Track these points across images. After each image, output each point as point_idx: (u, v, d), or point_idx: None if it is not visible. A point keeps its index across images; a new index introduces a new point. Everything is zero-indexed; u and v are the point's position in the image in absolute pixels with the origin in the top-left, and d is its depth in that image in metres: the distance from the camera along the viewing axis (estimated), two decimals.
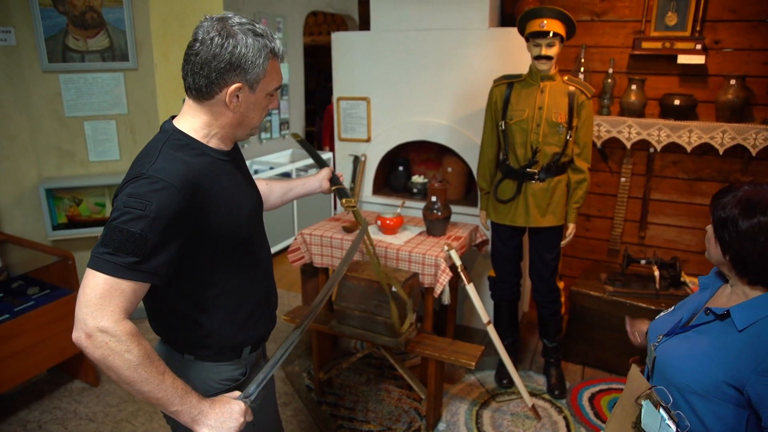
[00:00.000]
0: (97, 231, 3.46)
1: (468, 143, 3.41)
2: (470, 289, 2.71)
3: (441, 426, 2.80)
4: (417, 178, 3.76)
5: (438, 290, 2.82)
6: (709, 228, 1.38)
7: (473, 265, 3.60)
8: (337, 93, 3.76)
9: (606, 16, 3.41)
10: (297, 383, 3.16)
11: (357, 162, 3.77)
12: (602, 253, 3.76)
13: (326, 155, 5.89)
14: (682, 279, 3.17)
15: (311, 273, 3.41)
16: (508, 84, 2.82)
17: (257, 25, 1.28)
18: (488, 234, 3.28)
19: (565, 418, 2.87)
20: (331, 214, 5.55)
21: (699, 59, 3.12)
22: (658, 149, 3.33)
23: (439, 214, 3.04)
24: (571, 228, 2.92)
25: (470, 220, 3.47)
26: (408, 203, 3.55)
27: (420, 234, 3.14)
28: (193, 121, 1.32)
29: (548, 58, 2.64)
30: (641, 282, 3.22)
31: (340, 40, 3.66)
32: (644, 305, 3.06)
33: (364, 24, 4.03)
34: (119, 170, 3.58)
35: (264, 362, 1.57)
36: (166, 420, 1.48)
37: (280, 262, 4.89)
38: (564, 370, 3.23)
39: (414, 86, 3.48)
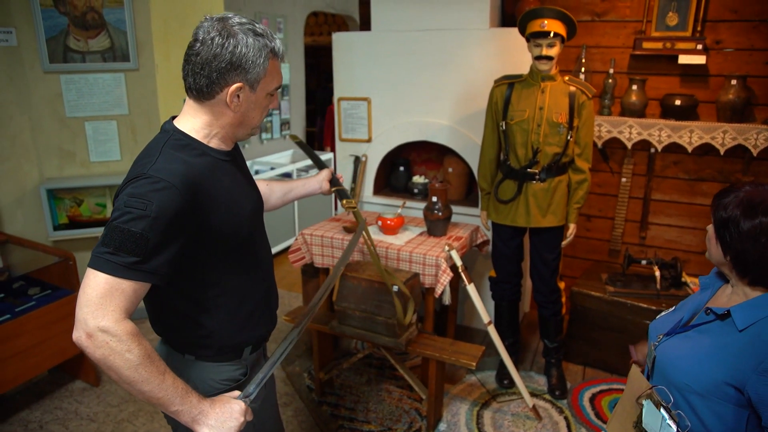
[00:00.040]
0: (98, 231, 3.46)
1: (469, 143, 3.41)
2: (471, 289, 2.71)
3: (442, 426, 2.80)
4: (418, 179, 3.76)
5: (439, 290, 2.82)
6: (710, 228, 1.38)
7: (474, 265, 3.59)
8: (337, 93, 3.76)
9: (607, 17, 3.41)
10: (298, 383, 3.16)
11: (358, 162, 3.78)
12: (603, 253, 3.76)
13: (328, 156, 5.90)
14: (683, 279, 3.16)
15: (312, 273, 3.41)
16: (508, 84, 2.82)
17: (257, 25, 1.28)
18: (489, 234, 3.28)
19: (566, 418, 2.86)
20: (331, 214, 5.55)
21: (700, 59, 3.12)
22: (659, 149, 3.32)
23: (440, 214, 3.04)
24: (571, 228, 2.92)
25: (471, 220, 3.47)
26: (409, 203, 3.55)
27: (421, 234, 3.14)
28: (193, 122, 1.32)
29: (549, 58, 2.63)
30: (642, 282, 3.22)
31: (340, 41, 3.66)
32: (645, 305, 3.06)
33: (365, 24, 4.03)
34: (120, 171, 3.59)
35: (264, 362, 1.57)
36: (166, 420, 1.49)
37: (281, 263, 4.90)
38: (565, 371, 3.23)
39: (415, 86, 3.48)
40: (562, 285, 3.09)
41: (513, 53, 3.15)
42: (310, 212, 5.36)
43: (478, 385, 3.14)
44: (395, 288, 2.55)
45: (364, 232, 2.30)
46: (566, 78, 2.76)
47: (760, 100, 3.14)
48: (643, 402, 1.40)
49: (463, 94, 3.36)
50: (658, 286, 3.12)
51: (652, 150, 3.41)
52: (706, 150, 3.28)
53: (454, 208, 3.28)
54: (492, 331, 2.74)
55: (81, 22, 3.32)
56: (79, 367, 3.11)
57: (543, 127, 2.72)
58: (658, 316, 1.57)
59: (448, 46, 3.32)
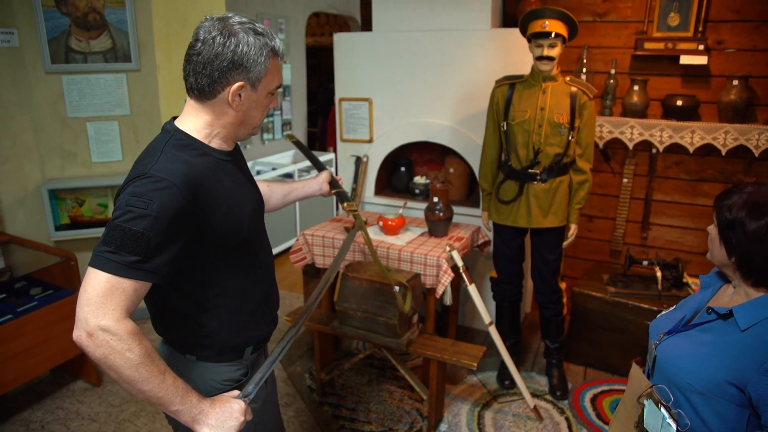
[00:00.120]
0: (100, 231, 3.47)
1: (470, 144, 3.41)
2: (472, 289, 2.71)
3: (443, 427, 2.79)
4: (419, 179, 3.76)
5: (440, 291, 2.82)
6: (712, 230, 1.38)
7: (475, 265, 3.59)
8: (339, 94, 3.76)
9: (608, 17, 3.40)
10: (299, 384, 3.16)
11: (359, 163, 3.78)
12: (604, 254, 3.76)
13: (329, 156, 5.89)
14: (684, 280, 3.16)
15: (313, 274, 3.41)
16: (510, 85, 2.82)
17: (257, 25, 1.28)
18: (490, 235, 3.28)
19: (567, 419, 2.86)
20: (332, 214, 5.55)
21: (701, 60, 3.12)
22: (661, 150, 3.32)
23: (441, 214, 3.04)
24: (573, 229, 2.91)
25: (472, 220, 3.47)
26: (410, 204, 3.55)
27: (422, 235, 3.14)
28: (195, 121, 1.32)
29: (550, 58, 2.63)
30: (643, 283, 3.22)
31: (342, 41, 3.66)
32: (646, 306, 3.05)
33: (367, 25, 4.03)
34: (122, 171, 3.59)
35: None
36: (167, 420, 1.49)
37: (282, 263, 4.90)
38: (566, 371, 3.22)
39: (416, 87, 3.49)
40: (563, 285, 3.08)
41: (514, 54, 3.15)
42: (311, 213, 5.36)
43: (479, 385, 3.14)
44: (397, 288, 2.55)
45: (363, 233, 2.30)
46: (567, 78, 2.76)
47: (761, 101, 3.13)
48: (645, 402, 1.40)
49: (465, 95, 3.36)
50: (660, 286, 3.11)
51: (654, 150, 3.41)
52: (707, 150, 3.28)
53: (456, 209, 3.28)
54: (493, 331, 2.74)
55: (83, 22, 3.32)
56: (80, 367, 3.12)
57: (544, 128, 2.72)
58: (658, 315, 1.57)
59: (450, 47, 3.32)
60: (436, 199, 3.03)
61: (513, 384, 3.03)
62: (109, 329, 1.11)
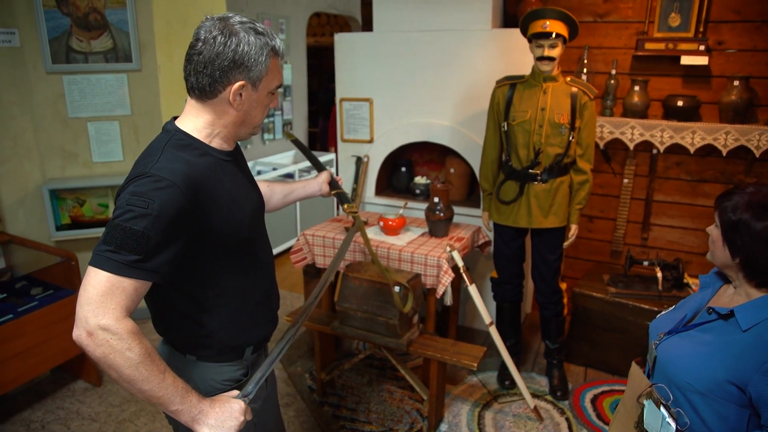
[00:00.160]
0: (100, 232, 3.44)
1: (471, 144, 3.41)
2: (472, 290, 2.71)
3: (443, 427, 2.79)
4: (420, 179, 3.76)
5: (440, 291, 2.82)
6: (713, 231, 1.37)
7: (476, 266, 3.59)
8: (339, 94, 3.76)
9: (609, 17, 3.40)
10: (299, 384, 3.16)
11: (360, 163, 3.78)
12: (605, 254, 3.76)
13: (330, 156, 5.89)
14: (684, 280, 3.16)
15: (314, 274, 3.41)
16: (510, 85, 2.82)
17: (257, 24, 1.29)
18: (491, 235, 3.28)
19: (567, 419, 2.86)
20: (333, 215, 5.55)
21: (702, 60, 3.11)
22: (661, 150, 3.32)
23: (442, 215, 3.04)
24: (573, 229, 2.91)
25: (473, 221, 3.46)
26: (410, 204, 3.55)
27: (422, 235, 3.14)
28: (195, 121, 1.32)
29: (551, 59, 2.63)
30: (644, 283, 3.22)
31: (343, 41, 3.66)
32: (647, 307, 3.05)
33: (367, 25, 4.03)
34: (122, 171, 3.59)
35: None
36: (168, 420, 1.49)
37: (283, 263, 4.90)
38: (566, 372, 3.22)
39: (417, 87, 3.49)
40: (563, 286, 3.08)
41: (515, 54, 3.15)
42: (312, 213, 5.36)
43: (480, 385, 3.14)
44: (397, 289, 2.55)
45: (362, 236, 2.30)
46: (568, 79, 2.76)
47: (762, 101, 3.13)
48: (644, 402, 1.40)
49: (465, 95, 3.36)
50: (660, 287, 3.11)
51: (654, 151, 3.41)
52: (708, 151, 3.28)
53: (456, 209, 3.28)
54: (493, 331, 2.74)
55: (83, 22, 3.33)
56: (80, 367, 3.12)
57: (545, 128, 2.72)
58: (658, 316, 1.57)
59: (450, 47, 3.32)
60: (436, 200, 3.03)
61: (513, 384, 3.03)
62: (109, 328, 1.11)
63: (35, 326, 2.71)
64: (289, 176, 5.19)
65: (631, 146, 3.37)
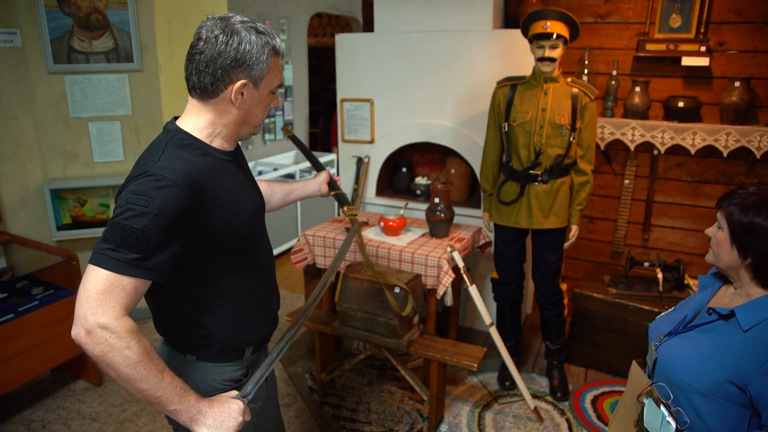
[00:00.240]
0: (101, 231, 3.46)
1: (471, 145, 3.41)
2: (473, 290, 2.71)
3: (443, 427, 2.79)
4: (420, 180, 3.76)
5: (440, 292, 2.82)
6: (719, 234, 1.36)
7: (476, 266, 3.59)
8: (340, 94, 3.77)
9: (610, 18, 3.40)
10: (299, 384, 3.16)
11: (360, 163, 3.78)
12: (605, 255, 3.75)
13: (331, 157, 5.89)
14: (685, 281, 3.16)
15: (314, 274, 3.41)
16: (511, 86, 2.82)
17: (258, 24, 1.29)
18: (491, 236, 3.28)
19: (567, 420, 2.86)
20: (334, 215, 5.55)
21: (703, 61, 3.11)
22: (662, 151, 3.32)
23: (442, 215, 3.04)
24: (574, 230, 2.91)
25: (473, 221, 3.47)
26: (411, 205, 3.55)
27: (423, 235, 3.14)
28: (197, 121, 1.33)
29: (551, 59, 2.63)
30: (644, 284, 3.22)
31: (344, 42, 3.67)
32: (647, 308, 3.05)
33: (368, 26, 4.04)
34: (123, 171, 3.60)
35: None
36: (168, 420, 1.49)
37: (284, 263, 4.90)
38: (567, 373, 3.22)
39: (418, 88, 3.49)
40: (564, 287, 3.08)
41: (516, 55, 3.15)
42: (313, 213, 5.36)
43: (480, 386, 3.14)
44: (397, 289, 2.55)
45: (357, 239, 2.31)
46: (569, 79, 2.76)
47: (763, 102, 3.13)
48: (644, 400, 1.40)
49: (466, 96, 3.37)
50: (661, 288, 3.11)
51: (655, 152, 3.41)
52: (709, 152, 3.28)
53: (457, 210, 3.28)
54: (494, 332, 2.74)
55: (85, 23, 3.33)
56: (81, 367, 3.12)
57: (545, 129, 2.72)
58: (658, 317, 1.57)
59: (451, 48, 3.32)
60: (437, 200, 3.03)
61: (513, 385, 3.03)
62: (108, 327, 1.11)
63: (36, 326, 2.71)
64: (290, 176, 5.20)
65: (632, 147, 3.37)
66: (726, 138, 3.12)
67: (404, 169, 3.86)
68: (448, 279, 2.79)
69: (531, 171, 2.79)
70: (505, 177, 2.90)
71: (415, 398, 3.01)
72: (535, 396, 3.03)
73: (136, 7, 3.38)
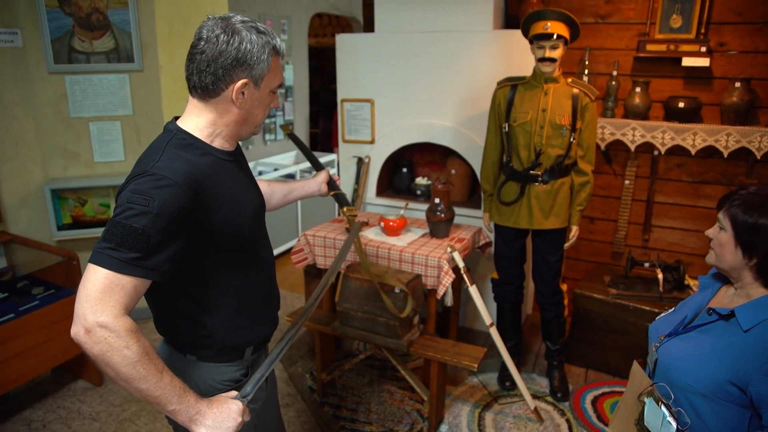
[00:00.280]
0: (102, 231, 3.48)
1: (472, 145, 3.41)
2: (473, 291, 2.71)
3: (443, 428, 2.79)
4: (421, 180, 3.77)
5: (441, 292, 2.82)
6: (722, 235, 1.35)
7: (476, 267, 3.59)
8: (341, 95, 3.77)
9: (610, 19, 3.40)
10: (299, 384, 3.16)
11: (361, 163, 3.78)
12: (606, 255, 3.75)
13: (332, 157, 5.90)
14: (685, 282, 3.16)
15: (315, 274, 3.41)
16: (511, 86, 2.82)
17: (258, 24, 1.30)
18: (491, 236, 3.28)
19: (567, 420, 2.86)
20: (334, 215, 5.55)
21: (704, 62, 3.11)
22: (663, 152, 3.32)
23: (443, 215, 3.04)
24: (574, 230, 2.91)
25: (474, 222, 3.47)
26: (411, 205, 3.55)
27: (423, 236, 3.14)
28: (197, 121, 1.33)
29: (552, 60, 2.63)
30: (645, 285, 3.21)
31: (344, 42, 3.67)
32: (648, 308, 3.05)
33: (369, 26, 4.04)
34: (124, 171, 3.60)
35: None
36: (168, 420, 1.49)
37: (284, 264, 4.90)
38: (567, 373, 3.22)
39: (418, 88, 3.49)
40: (564, 287, 3.08)
41: (516, 55, 3.15)
42: (313, 213, 5.37)
43: (480, 386, 3.14)
44: (397, 290, 2.55)
45: (354, 243, 2.31)
46: (569, 80, 2.76)
47: (764, 103, 3.13)
48: (645, 399, 1.40)
49: (467, 96, 3.37)
50: (661, 288, 3.11)
51: (656, 152, 3.41)
52: (709, 153, 3.27)
53: (457, 210, 3.28)
54: (494, 332, 2.74)
55: (86, 23, 3.33)
56: (81, 367, 3.12)
57: (546, 129, 2.72)
58: (657, 317, 1.57)
59: (452, 48, 3.32)
60: (437, 200, 3.03)
61: (514, 385, 3.03)
62: (107, 326, 1.10)
63: (36, 326, 2.71)
64: (291, 176, 5.20)
65: (633, 147, 3.37)
66: (726, 138, 3.12)
67: (404, 170, 3.86)
68: (448, 279, 2.79)
69: (531, 171, 2.79)
70: (505, 177, 2.90)
71: (416, 398, 3.01)
72: (535, 396, 3.03)
73: (137, 7, 3.38)
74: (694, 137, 3.19)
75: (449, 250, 2.77)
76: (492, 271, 3.23)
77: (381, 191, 3.86)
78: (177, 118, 1.37)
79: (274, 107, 1.43)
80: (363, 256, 2.50)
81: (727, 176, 3.30)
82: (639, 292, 3.16)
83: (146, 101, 3.56)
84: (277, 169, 5.19)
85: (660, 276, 3.13)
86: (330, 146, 7.89)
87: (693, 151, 3.23)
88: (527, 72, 2.85)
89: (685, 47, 3.16)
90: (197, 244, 1.27)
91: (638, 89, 3.30)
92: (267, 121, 5.59)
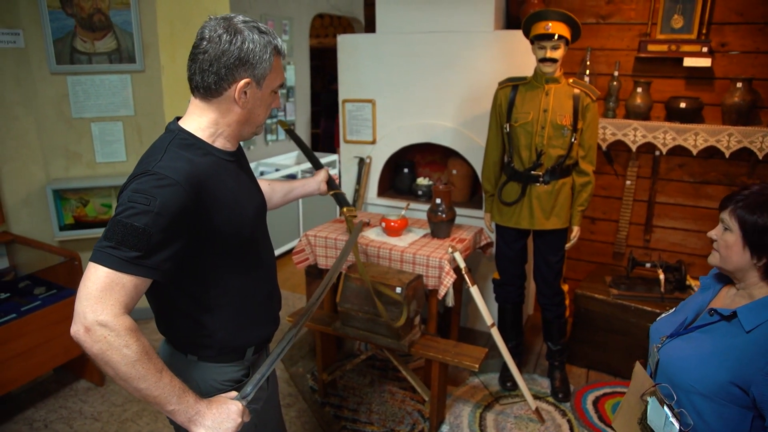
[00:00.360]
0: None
1: (473, 145, 3.41)
2: (474, 291, 2.71)
3: (444, 428, 2.79)
4: (422, 180, 3.77)
5: (442, 292, 2.82)
6: (727, 235, 1.34)
7: (478, 267, 3.59)
8: (342, 95, 3.77)
9: (611, 19, 3.40)
10: (301, 384, 3.16)
11: (362, 164, 3.78)
12: (607, 256, 3.75)
13: (333, 157, 5.90)
14: (687, 282, 3.15)
15: (316, 275, 3.42)
16: (512, 86, 2.82)
17: (260, 24, 1.30)
18: (493, 236, 3.28)
19: (568, 421, 2.86)
20: (335, 215, 5.56)
21: (705, 62, 3.11)
22: (664, 152, 3.31)
23: (444, 216, 3.04)
24: (575, 231, 2.91)
25: (475, 222, 3.47)
26: (413, 205, 3.55)
27: (424, 236, 3.14)
28: (199, 121, 1.33)
29: (553, 60, 2.63)
30: (646, 285, 3.21)
31: (345, 43, 3.67)
32: (649, 309, 3.05)
33: (370, 26, 4.04)
34: (125, 171, 3.61)
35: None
36: (169, 420, 1.49)
37: (286, 264, 4.90)
38: (568, 373, 3.22)
39: (419, 88, 3.49)
40: (565, 287, 3.08)
41: (517, 55, 3.15)
42: (314, 213, 5.37)
43: (481, 387, 3.14)
44: (398, 290, 2.55)
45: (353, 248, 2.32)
46: (570, 80, 2.76)
47: (765, 103, 3.12)
48: (648, 399, 1.40)
49: (468, 96, 3.37)
50: (663, 289, 3.11)
51: (657, 153, 3.40)
52: (711, 153, 3.27)
53: (458, 210, 3.28)
54: (495, 333, 2.74)
55: (88, 23, 3.34)
56: (83, 367, 3.13)
57: (547, 130, 2.72)
58: (658, 318, 1.57)
59: (453, 48, 3.32)
60: (438, 201, 3.03)
61: (515, 386, 3.03)
62: (107, 324, 1.10)
63: (38, 326, 2.72)
64: (292, 177, 5.20)
65: (634, 148, 3.36)
66: (728, 139, 3.11)
67: (406, 170, 3.87)
68: (449, 280, 2.79)
69: (532, 172, 2.79)
70: (506, 178, 2.90)
71: (417, 399, 3.01)
72: (536, 397, 3.03)
73: (139, 7, 3.39)
74: (696, 137, 3.19)
75: (450, 250, 2.77)
76: (493, 272, 3.23)
77: (382, 192, 3.86)
78: (179, 118, 1.37)
79: (275, 107, 1.44)
80: (359, 260, 2.51)
81: (729, 176, 3.30)
82: (640, 293, 3.16)
83: (148, 102, 3.57)
84: (279, 170, 5.20)
85: (661, 276, 3.13)
86: (332, 146, 7.90)
87: (694, 152, 3.22)
88: (528, 72, 2.85)
89: (686, 47, 3.16)
90: (198, 243, 1.27)
91: (639, 89, 3.30)
92: (268, 121, 5.59)
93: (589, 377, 3.26)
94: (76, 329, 1.11)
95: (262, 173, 5.25)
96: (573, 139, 2.73)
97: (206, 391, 1.38)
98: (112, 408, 2.94)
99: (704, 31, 3.14)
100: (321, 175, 2.12)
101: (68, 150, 3.49)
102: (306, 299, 3.68)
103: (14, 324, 2.63)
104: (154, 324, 1.46)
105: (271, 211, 1.83)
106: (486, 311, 2.72)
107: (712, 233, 1.39)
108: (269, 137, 5.68)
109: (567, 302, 3.08)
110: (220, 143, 1.36)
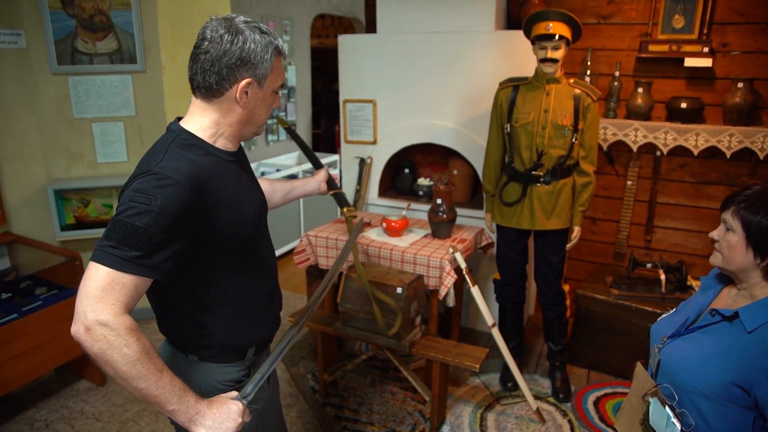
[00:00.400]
0: None
1: (474, 146, 3.41)
2: (475, 291, 2.71)
3: (445, 428, 2.79)
4: (423, 181, 3.77)
5: (443, 293, 2.82)
6: (730, 236, 1.34)
7: (478, 267, 3.59)
8: (343, 95, 3.77)
9: (612, 19, 3.40)
10: (302, 385, 3.17)
11: (363, 164, 3.78)
12: (608, 256, 3.75)
13: (335, 157, 5.90)
14: (688, 283, 3.15)
15: (317, 275, 3.42)
16: (513, 87, 2.82)
17: (261, 24, 1.30)
18: (493, 237, 3.28)
19: (569, 421, 2.86)
20: (336, 216, 5.56)
21: (706, 62, 3.11)
22: (665, 152, 3.31)
23: (445, 216, 3.04)
24: (576, 231, 2.91)
25: (476, 222, 3.46)
26: (413, 205, 3.55)
27: (425, 236, 3.14)
28: (200, 121, 1.33)
29: (554, 61, 2.63)
30: (647, 285, 3.21)
31: (346, 43, 3.67)
32: (650, 309, 3.04)
33: (371, 27, 4.04)
34: (127, 172, 3.61)
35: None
36: (170, 420, 1.49)
37: (287, 264, 4.91)
38: (569, 374, 3.21)
39: (420, 89, 3.49)
40: (566, 288, 3.08)
41: (518, 56, 3.15)
42: (315, 214, 5.37)
43: (482, 387, 3.14)
44: (398, 290, 2.55)
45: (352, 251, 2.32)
46: (571, 81, 2.76)
47: (766, 103, 3.12)
48: (650, 399, 1.40)
49: (468, 97, 3.37)
50: (663, 289, 3.11)
51: (658, 153, 3.40)
52: (712, 153, 3.27)
53: (459, 211, 3.28)
54: (496, 333, 2.74)
55: (89, 24, 3.35)
56: (84, 367, 3.13)
57: (548, 130, 2.72)
58: (659, 318, 1.56)
59: (454, 49, 3.32)
60: (439, 201, 3.03)
61: (516, 386, 3.03)
62: (107, 324, 1.10)
63: (39, 326, 2.72)
64: (293, 177, 5.21)
65: (635, 148, 3.36)
66: (729, 139, 3.11)
67: (407, 170, 3.87)
68: (450, 280, 2.79)
69: (533, 172, 2.78)
70: (507, 178, 2.90)
71: (417, 399, 3.01)
72: (537, 397, 3.02)
73: (140, 8, 3.39)
74: (697, 138, 3.19)
75: (451, 250, 2.77)
76: (494, 272, 3.23)
77: (383, 192, 3.86)
78: (180, 118, 1.37)
79: (276, 108, 1.44)
80: (359, 263, 2.50)
81: (730, 177, 3.30)
82: (641, 293, 3.15)
83: (149, 102, 3.57)
84: (280, 170, 5.20)
85: (662, 277, 3.12)
86: (333, 147, 7.90)
87: (695, 152, 3.22)
88: (529, 73, 2.85)
89: (687, 48, 3.16)
90: (199, 243, 1.27)
91: (640, 90, 3.30)
92: (269, 121, 5.60)
93: (589, 377, 3.26)
94: (77, 329, 1.11)
95: (263, 173, 5.25)
96: (574, 140, 2.73)
97: (207, 391, 1.38)
98: (113, 408, 2.94)
99: (705, 31, 3.14)
100: (321, 175, 2.13)
101: (69, 150, 3.50)
102: (307, 299, 3.68)
103: (15, 324, 2.63)
104: (155, 324, 1.47)
105: (272, 211, 1.84)
106: (487, 311, 2.72)
107: (714, 234, 1.39)
108: (270, 137, 5.68)
109: (568, 302, 3.08)
110: (221, 143, 1.36)
